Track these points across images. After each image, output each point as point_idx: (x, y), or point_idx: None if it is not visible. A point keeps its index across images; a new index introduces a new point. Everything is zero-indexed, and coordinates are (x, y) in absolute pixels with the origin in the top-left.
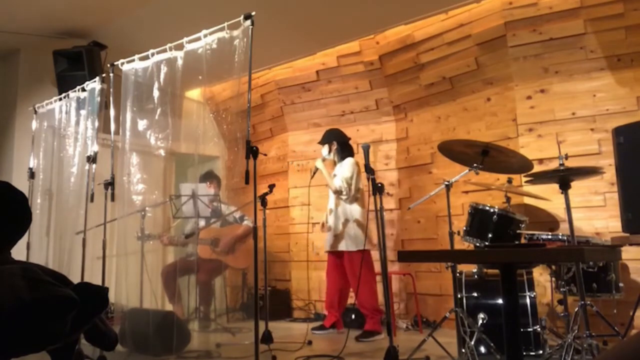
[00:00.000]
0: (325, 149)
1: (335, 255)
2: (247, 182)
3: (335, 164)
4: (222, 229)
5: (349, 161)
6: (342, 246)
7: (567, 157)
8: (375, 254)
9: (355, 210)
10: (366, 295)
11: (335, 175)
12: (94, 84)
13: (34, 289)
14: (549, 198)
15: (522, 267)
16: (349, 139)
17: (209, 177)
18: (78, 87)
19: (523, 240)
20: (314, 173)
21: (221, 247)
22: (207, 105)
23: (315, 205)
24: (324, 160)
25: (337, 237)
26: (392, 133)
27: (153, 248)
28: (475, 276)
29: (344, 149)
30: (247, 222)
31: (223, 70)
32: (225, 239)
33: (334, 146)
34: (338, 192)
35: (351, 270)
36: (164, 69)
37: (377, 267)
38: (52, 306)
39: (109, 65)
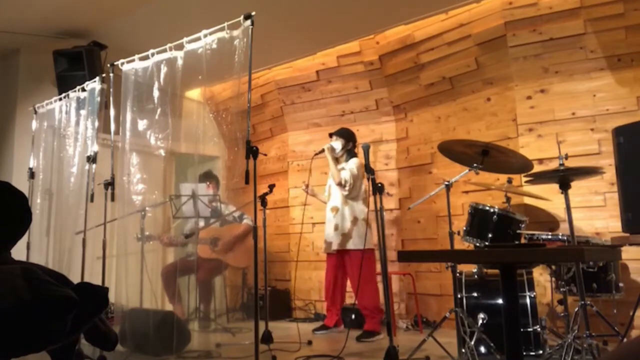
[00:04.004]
0: (338, 143)
1: (338, 254)
2: (247, 182)
3: (337, 160)
4: (222, 228)
5: (356, 160)
6: (350, 245)
7: (567, 157)
8: (375, 254)
9: (362, 209)
10: (370, 295)
11: (343, 169)
12: (94, 84)
13: (34, 289)
14: (549, 198)
15: (522, 267)
16: None
17: (207, 177)
18: (78, 87)
19: (523, 240)
20: (320, 151)
21: (221, 246)
22: (207, 105)
23: (315, 205)
24: (333, 150)
25: (345, 236)
26: (392, 133)
27: (153, 248)
28: (475, 276)
29: (353, 151)
30: (247, 221)
31: (223, 70)
32: (225, 238)
33: (349, 146)
34: (341, 185)
35: (355, 269)
36: (164, 69)
37: (378, 267)
38: (52, 306)
39: (109, 65)
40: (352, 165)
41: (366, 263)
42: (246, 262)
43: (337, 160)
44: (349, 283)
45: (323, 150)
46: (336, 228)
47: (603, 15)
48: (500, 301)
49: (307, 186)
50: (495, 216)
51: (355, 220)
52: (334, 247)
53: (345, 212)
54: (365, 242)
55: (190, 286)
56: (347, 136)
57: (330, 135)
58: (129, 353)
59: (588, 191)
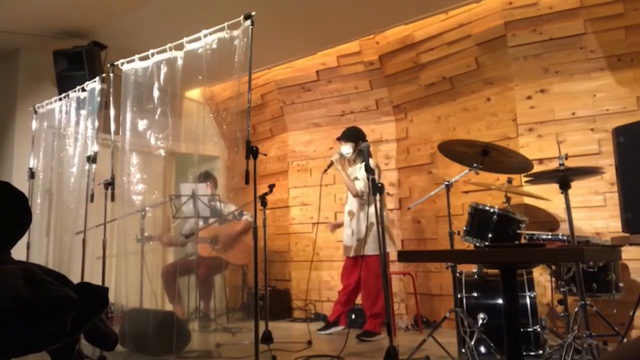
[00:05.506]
0: (347, 147)
1: (355, 258)
2: (247, 182)
3: (350, 163)
4: (221, 226)
5: (371, 163)
6: (367, 250)
7: (567, 157)
8: (389, 257)
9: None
10: (380, 298)
11: (356, 179)
12: (94, 84)
13: (34, 289)
14: (549, 198)
15: (522, 267)
16: None
17: (206, 177)
18: (78, 87)
19: (523, 240)
20: (328, 167)
21: (221, 242)
22: (207, 105)
23: (315, 205)
24: (341, 156)
25: (360, 242)
26: (392, 133)
27: (153, 248)
28: (475, 276)
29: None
30: (246, 217)
31: (223, 70)
32: (225, 235)
33: (360, 145)
34: (359, 196)
35: (370, 274)
36: (164, 69)
37: (391, 269)
38: (52, 306)
39: (109, 65)
40: (365, 172)
41: (380, 267)
42: (246, 259)
43: (354, 162)
44: None
45: (332, 163)
46: (352, 233)
47: (603, 15)
48: (500, 301)
49: (333, 227)
50: (495, 216)
51: (371, 226)
52: (352, 253)
53: (360, 217)
54: (383, 247)
55: (190, 286)
56: (355, 137)
57: (339, 139)
58: (129, 353)
59: (588, 191)
